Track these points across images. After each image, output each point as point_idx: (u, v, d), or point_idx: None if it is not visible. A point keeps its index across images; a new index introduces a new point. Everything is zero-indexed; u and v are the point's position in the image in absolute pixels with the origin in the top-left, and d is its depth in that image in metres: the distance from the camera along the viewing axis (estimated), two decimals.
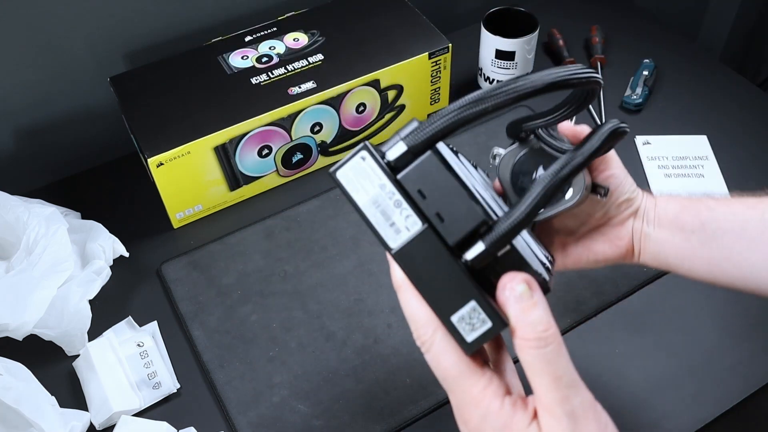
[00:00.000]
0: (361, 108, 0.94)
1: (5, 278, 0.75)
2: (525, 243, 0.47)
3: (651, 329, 0.80)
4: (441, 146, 0.42)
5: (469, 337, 0.38)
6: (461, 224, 0.37)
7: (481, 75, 1.07)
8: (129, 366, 0.75)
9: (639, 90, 1.04)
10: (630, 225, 0.62)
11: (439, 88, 0.99)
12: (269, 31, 0.97)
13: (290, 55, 0.93)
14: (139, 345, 0.77)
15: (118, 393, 0.73)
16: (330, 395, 0.74)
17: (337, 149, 0.97)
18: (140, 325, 0.81)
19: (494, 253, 0.37)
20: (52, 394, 0.71)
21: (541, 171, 0.61)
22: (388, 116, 0.98)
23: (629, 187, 0.61)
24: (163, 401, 0.75)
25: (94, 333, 0.79)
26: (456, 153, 0.58)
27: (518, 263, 0.38)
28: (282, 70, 0.91)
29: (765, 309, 0.81)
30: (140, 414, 0.74)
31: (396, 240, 0.38)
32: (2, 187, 0.85)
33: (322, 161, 0.97)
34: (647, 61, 1.08)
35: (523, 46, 1.00)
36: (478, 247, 0.37)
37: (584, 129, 0.59)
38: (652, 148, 0.98)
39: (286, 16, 1.00)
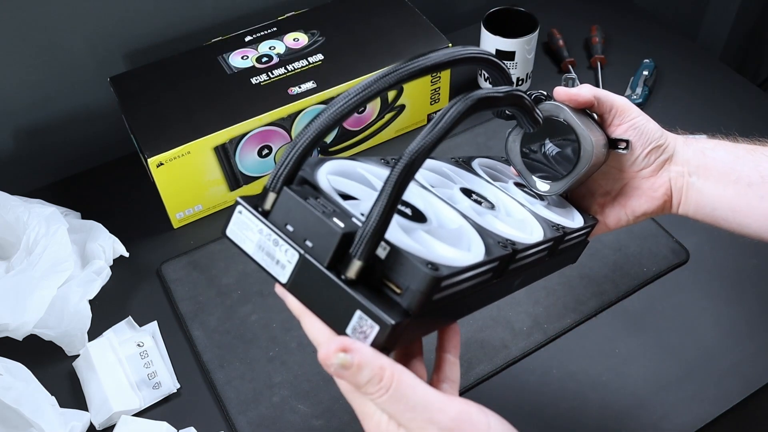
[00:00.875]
0: (361, 108, 0.94)
1: (5, 278, 0.75)
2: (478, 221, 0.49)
3: (651, 329, 0.80)
4: (329, 167, 0.45)
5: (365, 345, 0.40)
6: (326, 244, 0.39)
7: (480, 75, 1.07)
8: (129, 366, 0.75)
9: (639, 90, 1.04)
10: (666, 174, 0.59)
11: (439, 88, 0.99)
12: (269, 31, 0.97)
13: (290, 55, 0.93)
14: (139, 345, 0.77)
15: (118, 393, 0.73)
16: (330, 395, 0.74)
17: (337, 149, 0.97)
18: (140, 325, 0.81)
19: (369, 261, 0.39)
20: (52, 394, 0.71)
21: (548, 143, 0.61)
22: (388, 116, 0.98)
23: (654, 134, 0.58)
24: (163, 401, 0.75)
25: (94, 333, 0.79)
26: (461, 160, 0.60)
27: (400, 260, 0.39)
28: (282, 70, 0.91)
29: (765, 309, 0.81)
30: (140, 414, 0.74)
31: (284, 275, 0.40)
32: (2, 187, 0.85)
33: None
34: (647, 61, 1.08)
35: (523, 46, 1.00)
36: (354, 264, 0.39)
37: (582, 91, 0.57)
38: None
39: (286, 16, 1.00)
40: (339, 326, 0.39)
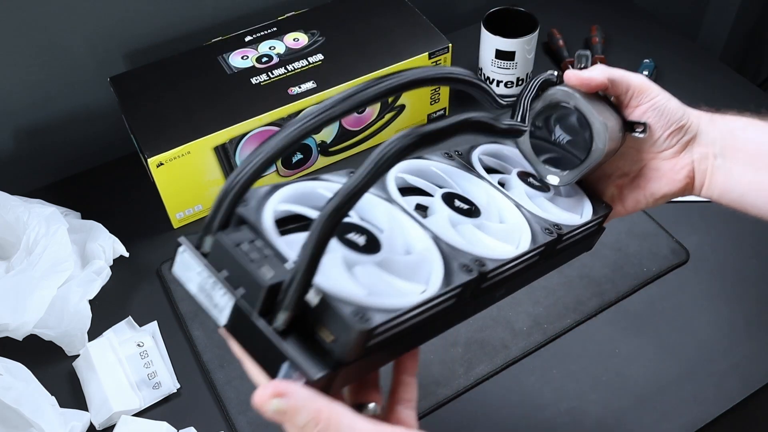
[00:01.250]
0: (361, 108, 0.94)
1: (5, 278, 0.75)
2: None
3: (651, 329, 0.80)
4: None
5: None
6: (255, 295, 0.38)
7: (481, 75, 1.07)
8: (129, 366, 0.75)
9: None
10: (688, 155, 0.56)
11: (438, 88, 0.99)
12: (269, 31, 0.97)
13: (290, 55, 0.93)
14: (139, 345, 0.77)
15: (118, 393, 0.73)
16: None
17: (337, 149, 0.97)
18: (140, 325, 0.81)
19: (299, 310, 0.38)
20: (52, 394, 0.71)
21: (558, 130, 0.57)
22: (388, 116, 0.98)
23: (675, 115, 0.54)
24: (163, 401, 0.75)
25: (94, 333, 0.79)
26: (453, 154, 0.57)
27: (330, 309, 0.38)
28: (282, 70, 0.91)
29: (765, 309, 0.81)
30: (140, 414, 0.74)
31: (222, 318, 0.40)
32: (2, 187, 0.85)
33: (322, 161, 0.97)
34: (647, 61, 1.08)
35: (523, 46, 1.00)
36: (282, 314, 0.38)
37: (594, 74, 0.53)
38: None
39: (286, 16, 1.00)
40: (272, 374, 0.39)
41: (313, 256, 0.36)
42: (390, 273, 0.43)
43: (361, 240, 0.43)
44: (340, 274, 0.40)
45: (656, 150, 0.56)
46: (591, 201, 0.59)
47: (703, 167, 0.56)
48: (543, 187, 0.58)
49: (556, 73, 0.56)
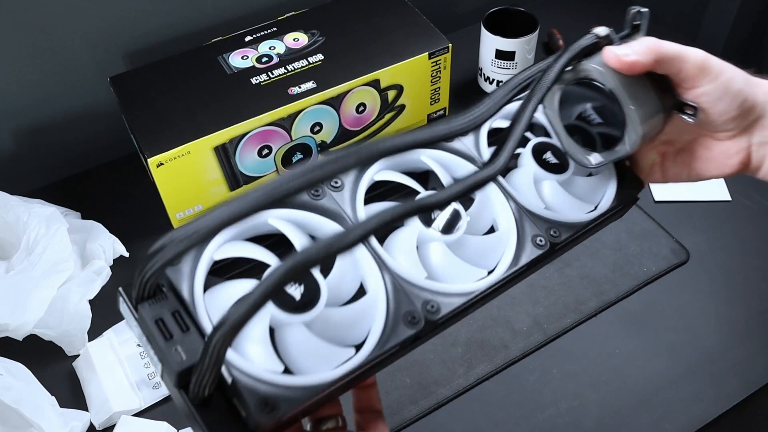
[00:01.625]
0: (361, 108, 0.94)
1: (5, 278, 0.75)
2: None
3: (651, 329, 0.80)
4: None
5: None
6: (170, 372, 0.37)
7: (481, 75, 1.07)
8: (129, 366, 0.75)
9: None
10: (746, 139, 0.48)
11: (439, 88, 0.99)
12: (269, 31, 0.97)
13: (290, 55, 0.93)
14: (139, 345, 0.77)
15: (118, 393, 0.73)
16: None
17: (338, 149, 0.97)
18: None
19: (212, 390, 0.37)
20: (52, 394, 0.71)
21: (588, 108, 0.50)
22: (388, 116, 0.98)
23: (737, 100, 0.46)
24: (163, 401, 0.75)
25: (94, 333, 0.79)
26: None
27: (237, 390, 0.37)
28: (282, 70, 0.91)
29: (765, 309, 0.81)
30: (140, 414, 0.74)
31: (158, 372, 0.39)
32: (2, 187, 0.85)
33: None
34: None
35: (523, 46, 1.00)
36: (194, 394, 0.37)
37: (638, 54, 0.45)
38: None
39: (286, 16, 1.00)
40: None
41: (212, 362, 0.34)
42: (319, 334, 0.40)
43: (297, 293, 0.39)
44: (259, 344, 0.38)
45: (710, 129, 0.49)
46: (619, 177, 0.52)
47: (762, 153, 0.48)
48: (560, 166, 0.51)
49: (602, 32, 0.48)
